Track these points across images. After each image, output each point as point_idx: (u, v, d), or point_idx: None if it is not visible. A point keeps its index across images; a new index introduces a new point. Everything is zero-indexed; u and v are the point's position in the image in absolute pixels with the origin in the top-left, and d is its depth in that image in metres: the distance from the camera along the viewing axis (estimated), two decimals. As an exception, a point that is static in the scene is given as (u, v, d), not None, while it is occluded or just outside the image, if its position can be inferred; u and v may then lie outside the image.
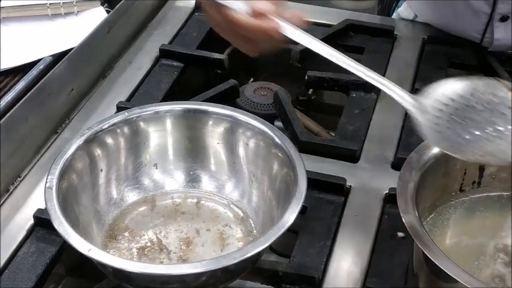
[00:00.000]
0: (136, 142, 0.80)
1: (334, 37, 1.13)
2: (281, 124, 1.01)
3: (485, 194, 0.79)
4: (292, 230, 0.86)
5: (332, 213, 0.86)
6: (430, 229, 0.76)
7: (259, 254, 0.72)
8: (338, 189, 0.88)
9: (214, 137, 0.79)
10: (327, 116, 1.17)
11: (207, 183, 0.81)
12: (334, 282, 0.79)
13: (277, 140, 0.76)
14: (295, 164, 0.74)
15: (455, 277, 0.62)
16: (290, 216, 0.70)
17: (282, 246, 0.93)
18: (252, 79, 1.20)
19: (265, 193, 0.78)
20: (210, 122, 0.78)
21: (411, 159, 0.72)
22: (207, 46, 1.14)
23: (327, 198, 0.88)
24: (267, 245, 0.68)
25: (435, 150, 0.74)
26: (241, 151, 0.79)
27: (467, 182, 0.78)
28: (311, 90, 1.18)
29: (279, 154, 0.76)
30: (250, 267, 0.74)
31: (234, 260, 0.67)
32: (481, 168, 0.77)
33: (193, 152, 0.81)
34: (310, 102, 1.19)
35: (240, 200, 0.81)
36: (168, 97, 1.04)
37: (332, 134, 1.05)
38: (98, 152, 0.77)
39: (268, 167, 0.77)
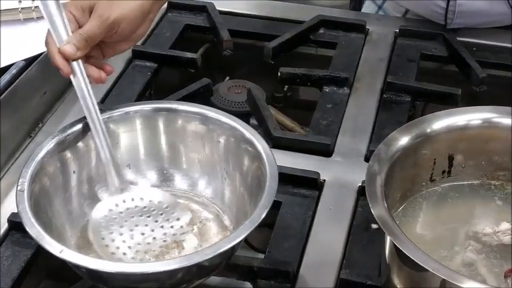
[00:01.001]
0: (107, 143, 0.80)
1: (307, 33, 1.13)
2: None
3: (455, 183, 0.79)
4: (267, 225, 0.88)
5: (306, 207, 0.87)
6: (401, 219, 0.77)
7: (233, 250, 0.73)
8: (312, 183, 0.89)
9: (185, 135, 0.79)
10: (303, 112, 1.17)
11: (180, 181, 0.82)
12: (309, 275, 0.79)
13: (247, 135, 0.77)
14: (266, 159, 0.75)
15: (423, 265, 0.62)
16: (262, 212, 0.71)
17: (259, 241, 0.94)
18: (227, 77, 1.21)
19: (238, 189, 0.79)
20: (180, 121, 0.79)
21: (379, 150, 0.73)
22: (181, 46, 1.15)
23: (301, 192, 0.88)
24: (238, 240, 0.69)
25: (403, 141, 0.74)
26: (212, 148, 0.79)
27: (437, 172, 0.79)
28: (286, 86, 1.19)
29: (250, 149, 0.76)
30: (224, 263, 0.75)
31: (206, 256, 0.67)
32: (450, 158, 0.78)
33: (165, 151, 0.81)
34: (286, 98, 1.19)
35: (213, 196, 0.81)
36: (142, 98, 1.04)
37: (307, 129, 1.06)
38: (69, 154, 0.77)
39: (239, 162, 0.78)
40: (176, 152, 0.81)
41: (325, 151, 0.94)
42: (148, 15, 0.80)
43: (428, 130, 0.75)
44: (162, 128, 0.79)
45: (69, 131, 0.78)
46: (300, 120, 1.11)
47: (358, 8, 1.29)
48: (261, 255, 0.85)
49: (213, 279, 0.80)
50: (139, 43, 1.12)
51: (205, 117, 0.78)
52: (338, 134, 0.97)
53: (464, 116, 0.75)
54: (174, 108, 0.79)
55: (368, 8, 1.25)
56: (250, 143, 0.76)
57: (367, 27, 1.14)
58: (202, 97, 1.03)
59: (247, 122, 1.04)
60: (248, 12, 1.19)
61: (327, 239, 0.83)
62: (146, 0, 0.80)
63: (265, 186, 0.73)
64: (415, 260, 0.63)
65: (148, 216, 0.77)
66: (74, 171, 0.78)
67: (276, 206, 0.88)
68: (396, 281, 0.70)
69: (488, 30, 1.15)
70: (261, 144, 0.76)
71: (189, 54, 1.08)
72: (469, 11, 1.11)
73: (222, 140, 0.78)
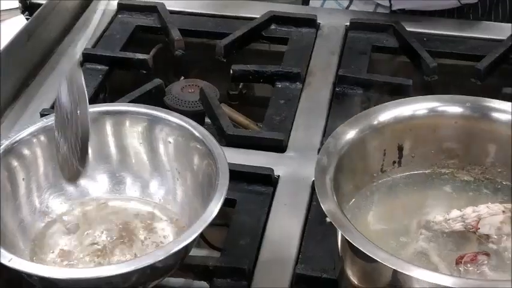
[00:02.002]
0: (56, 149, 0.79)
1: (258, 30, 1.13)
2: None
3: (406, 173, 0.80)
4: (223, 224, 0.88)
5: (261, 204, 0.87)
6: (354, 211, 0.77)
7: (186, 250, 0.73)
8: (266, 180, 0.89)
9: (134, 137, 0.79)
10: (259, 109, 1.17)
11: (132, 184, 0.81)
12: (265, 272, 0.79)
13: (196, 133, 0.76)
14: (216, 156, 0.75)
15: (372, 256, 0.63)
16: (212, 210, 0.71)
17: (219, 240, 0.94)
18: (182, 77, 1.20)
19: (190, 188, 0.78)
20: (128, 123, 0.78)
21: (328, 144, 0.73)
22: (133, 47, 1.14)
23: (256, 189, 0.88)
24: (190, 240, 0.69)
25: (352, 134, 0.75)
26: (162, 148, 0.79)
27: (388, 163, 0.79)
28: (242, 84, 1.19)
29: (200, 148, 0.76)
30: (179, 263, 0.74)
31: (158, 257, 0.67)
32: (400, 148, 0.79)
33: (116, 155, 0.80)
34: (241, 96, 1.19)
35: (166, 197, 0.80)
36: (96, 101, 1.03)
37: (261, 126, 1.06)
38: (17, 162, 0.76)
39: (190, 161, 0.77)
40: (126, 155, 0.80)
41: (279, 147, 0.94)
42: None
43: (375, 122, 0.75)
44: (110, 131, 0.78)
45: (16, 138, 0.77)
46: (256, 117, 1.11)
47: (306, 2, 1.30)
48: (217, 254, 0.84)
49: (175, 280, 0.80)
50: (90, 46, 1.11)
51: (153, 118, 0.78)
52: (291, 129, 0.97)
53: (410, 106, 0.76)
54: (122, 110, 0.78)
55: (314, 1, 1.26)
56: (200, 142, 0.76)
57: (318, 21, 1.15)
58: (155, 98, 1.02)
59: (202, 121, 1.05)
60: (199, 11, 1.18)
61: (282, 235, 0.83)
62: None
63: (216, 184, 0.73)
64: (364, 252, 0.63)
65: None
66: (23, 179, 0.77)
67: (231, 204, 0.88)
68: (350, 273, 0.71)
69: (439, 20, 1.16)
70: (210, 142, 0.76)
71: (140, 56, 1.08)
72: None
73: (171, 139, 0.78)
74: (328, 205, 0.67)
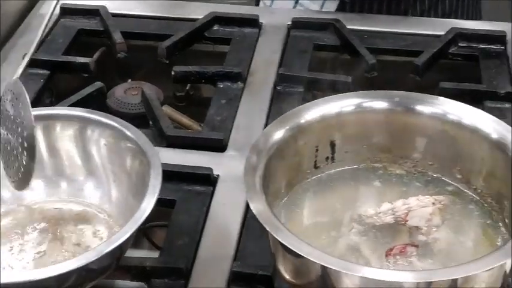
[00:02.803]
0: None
1: (201, 31, 1.14)
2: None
3: (340, 169, 0.81)
4: (163, 225, 0.88)
5: (201, 203, 0.87)
6: (289, 208, 0.78)
7: (121, 251, 0.73)
8: (205, 179, 0.89)
9: (66, 140, 0.79)
10: (206, 110, 1.18)
11: (67, 187, 0.81)
12: (202, 271, 0.80)
13: (128, 133, 0.77)
14: (149, 156, 0.75)
15: (298, 251, 0.64)
16: (144, 211, 0.71)
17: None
18: (129, 80, 1.20)
19: (125, 189, 0.79)
20: (60, 126, 0.78)
21: (258, 142, 0.74)
22: (77, 51, 1.14)
23: (195, 189, 0.89)
24: (120, 241, 0.69)
25: (282, 131, 0.75)
26: (95, 150, 0.79)
27: (321, 159, 0.80)
28: (188, 85, 1.20)
29: (132, 148, 0.76)
30: (114, 264, 0.74)
31: (88, 259, 0.67)
32: (332, 144, 0.80)
33: (49, 159, 0.80)
34: (188, 97, 1.19)
35: (102, 198, 0.81)
36: (37, 105, 1.03)
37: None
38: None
39: (123, 162, 0.78)
40: (59, 159, 0.80)
41: (219, 146, 0.94)
42: None
43: (304, 119, 0.76)
44: (41, 136, 0.78)
45: None
46: (202, 117, 1.11)
47: (257, 3, 1.31)
48: (156, 255, 0.85)
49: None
50: (31, 51, 1.10)
51: (84, 120, 0.78)
52: (232, 128, 0.98)
53: (338, 103, 0.77)
54: (52, 114, 0.78)
55: None
56: (133, 141, 0.76)
57: (260, 21, 1.15)
58: (97, 101, 1.02)
59: (146, 123, 1.05)
60: (143, 13, 1.19)
61: (220, 234, 0.84)
62: None
63: (149, 184, 0.73)
64: (289, 247, 0.64)
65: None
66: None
67: (170, 204, 0.88)
68: (282, 269, 0.71)
69: (379, 18, 1.18)
70: (143, 142, 0.76)
71: (81, 59, 1.08)
72: None
73: (103, 141, 0.78)
74: (255, 202, 0.68)
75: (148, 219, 0.73)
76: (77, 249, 0.78)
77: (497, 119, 0.75)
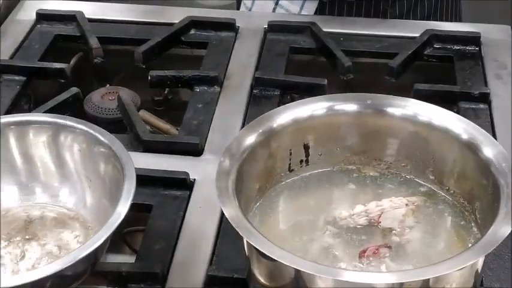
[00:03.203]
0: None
1: (177, 35, 1.14)
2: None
3: (314, 171, 0.81)
4: (142, 230, 0.88)
5: (177, 208, 0.88)
6: (264, 211, 0.78)
7: (96, 256, 0.73)
8: (181, 184, 0.90)
9: (39, 146, 0.79)
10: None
11: (41, 193, 0.81)
12: (179, 275, 0.80)
13: (101, 138, 0.77)
14: (123, 161, 0.75)
15: (269, 254, 0.64)
16: (118, 216, 0.71)
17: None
18: (108, 85, 1.20)
19: (100, 194, 0.79)
20: (33, 132, 0.78)
21: (231, 146, 0.74)
22: (53, 57, 1.14)
23: (172, 194, 0.89)
24: (94, 247, 0.69)
25: (254, 135, 0.76)
26: (69, 156, 0.79)
27: (295, 162, 0.80)
28: (167, 89, 1.20)
29: (105, 153, 0.76)
30: (89, 270, 0.74)
31: (62, 265, 0.67)
32: (306, 147, 0.80)
33: (21, 165, 0.80)
34: (167, 101, 1.20)
35: (77, 204, 0.81)
36: (13, 111, 1.03)
37: (181, 130, 1.07)
38: None
39: (97, 167, 0.78)
40: (33, 165, 0.80)
41: (195, 151, 0.95)
42: None
43: (277, 123, 0.76)
44: (14, 142, 0.78)
45: None
46: (181, 122, 1.12)
47: (238, 7, 1.31)
48: (132, 260, 0.85)
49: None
50: (7, 57, 1.11)
51: (57, 126, 0.78)
52: (208, 132, 0.98)
53: (309, 106, 0.77)
54: (24, 120, 0.78)
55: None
56: (106, 146, 0.76)
57: (237, 25, 1.16)
58: (73, 106, 1.03)
59: (124, 128, 1.05)
60: (119, 19, 1.19)
61: (197, 237, 0.84)
62: None
63: (123, 189, 0.73)
64: (262, 251, 0.64)
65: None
66: None
67: (147, 209, 0.89)
68: (257, 272, 0.72)
69: (356, 20, 1.19)
70: (117, 147, 0.76)
71: (57, 65, 1.08)
72: None
73: (77, 146, 0.78)
74: (228, 206, 0.68)
75: (124, 223, 0.73)
76: (53, 255, 0.78)
77: (468, 120, 0.76)
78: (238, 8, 1.32)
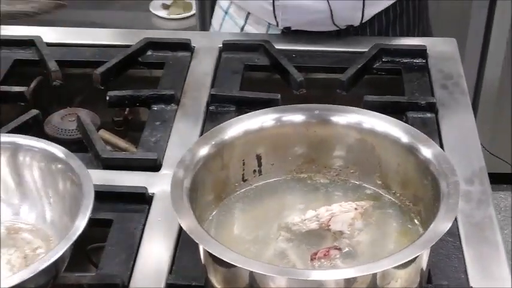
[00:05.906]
0: None
1: (135, 56, 1.17)
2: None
3: (267, 181, 0.85)
4: (103, 246, 0.90)
5: (137, 221, 0.90)
6: (219, 220, 0.81)
7: (56, 269, 0.75)
8: (140, 198, 0.92)
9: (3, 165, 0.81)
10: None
11: (3, 211, 0.83)
12: (140, 285, 0.82)
13: (59, 155, 0.79)
14: (80, 176, 0.78)
15: (225, 259, 0.67)
16: (76, 231, 0.73)
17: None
18: (68, 107, 1.23)
19: (59, 209, 0.81)
20: (-6, 153, 0.81)
21: (185, 157, 0.77)
22: (15, 81, 1.16)
23: (132, 208, 0.92)
24: (51, 260, 0.71)
25: (207, 146, 0.79)
26: (27, 174, 0.81)
27: (249, 172, 0.84)
28: (127, 110, 1.22)
29: (63, 169, 0.79)
30: (50, 283, 0.76)
31: (19, 279, 0.69)
32: (259, 157, 0.83)
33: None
34: (127, 122, 1.22)
35: (38, 220, 0.83)
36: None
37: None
38: None
39: (55, 184, 0.80)
40: (-6, 184, 0.82)
41: (153, 166, 0.97)
42: None
43: (228, 135, 0.80)
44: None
45: None
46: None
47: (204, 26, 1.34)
48: (93, 273, 0.87)
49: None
50: (-33, 82, 1.13)
51: (15, 145, 0.80)
52: (166, 148, 1.01)
53: (259, 118, 0.81)
54: (-17, 141, 0.81)
55: (216, 14, 1.30)
56: (64, 163, 0.79)
57: (192, 45, 1.19)
58: (33, 128, 1.05)
59: (85, 148, 1.07)
60: (77, 42, 1.22)
61: (157, 248, 0.87)
62: None
63: (81, 204, 0.76)
64: (216, 255, 0.67)
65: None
66: None
67: (107, 224, 0.91)
68: (213, 279, 0.75)
69: (308, 37, 1.23)
70: (74, 163, 0.79)
71: (17, 88, 1.10)
72: (292, 6, 1.17)
73: (36, 164, 0.81)
74: (181, 213, 0.71)
75: (86, 240, 0.75)
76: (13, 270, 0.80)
77: (408, 125, 0.80)
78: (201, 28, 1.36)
